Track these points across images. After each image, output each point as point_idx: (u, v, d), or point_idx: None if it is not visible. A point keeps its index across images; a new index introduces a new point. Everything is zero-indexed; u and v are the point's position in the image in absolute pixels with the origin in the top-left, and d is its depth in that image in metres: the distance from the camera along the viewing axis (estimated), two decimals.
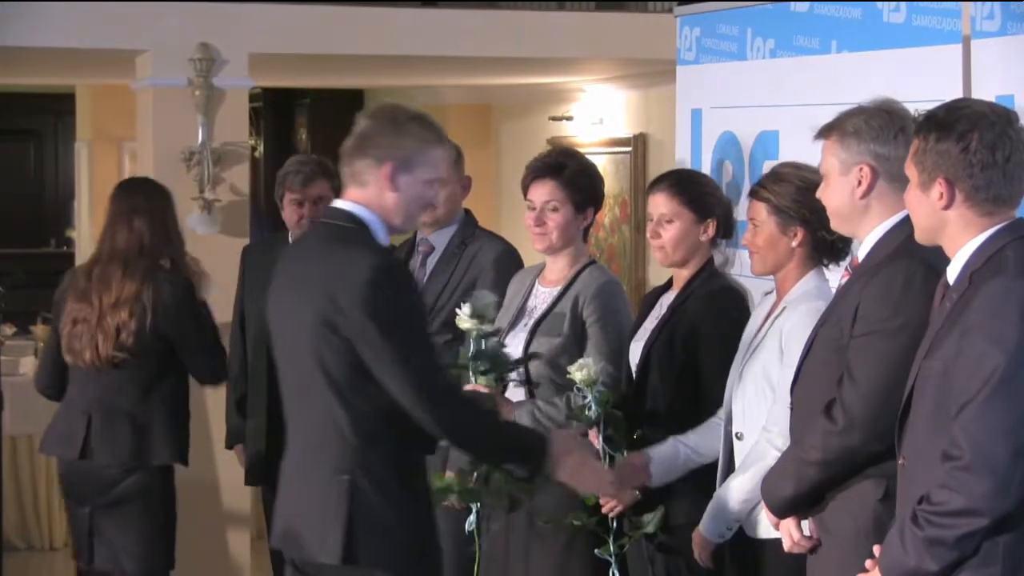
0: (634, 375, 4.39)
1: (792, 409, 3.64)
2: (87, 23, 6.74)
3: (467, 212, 5.26)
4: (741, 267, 4.53)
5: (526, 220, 4.62)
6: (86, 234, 11.48)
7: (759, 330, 4.05)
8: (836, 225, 3.65)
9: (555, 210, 4.56)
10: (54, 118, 15.01)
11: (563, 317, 4.50)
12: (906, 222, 3.31)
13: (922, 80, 4.54)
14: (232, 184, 6.88)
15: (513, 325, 4.60)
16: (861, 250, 3.57)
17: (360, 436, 3.53)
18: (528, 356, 4.44)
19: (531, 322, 4.57)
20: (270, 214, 9.35)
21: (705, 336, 4.26)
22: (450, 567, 4.04)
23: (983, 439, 2.90)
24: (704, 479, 4.17)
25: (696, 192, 4.40)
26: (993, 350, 2.91)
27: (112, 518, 5.27)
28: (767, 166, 4.59)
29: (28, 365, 7.84)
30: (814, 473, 3.49)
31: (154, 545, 5.32)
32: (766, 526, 3.79)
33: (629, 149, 8.64)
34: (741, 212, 4.44)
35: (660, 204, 4.39)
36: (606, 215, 8.75)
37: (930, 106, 3.16)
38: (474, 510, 4.34)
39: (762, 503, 3.74)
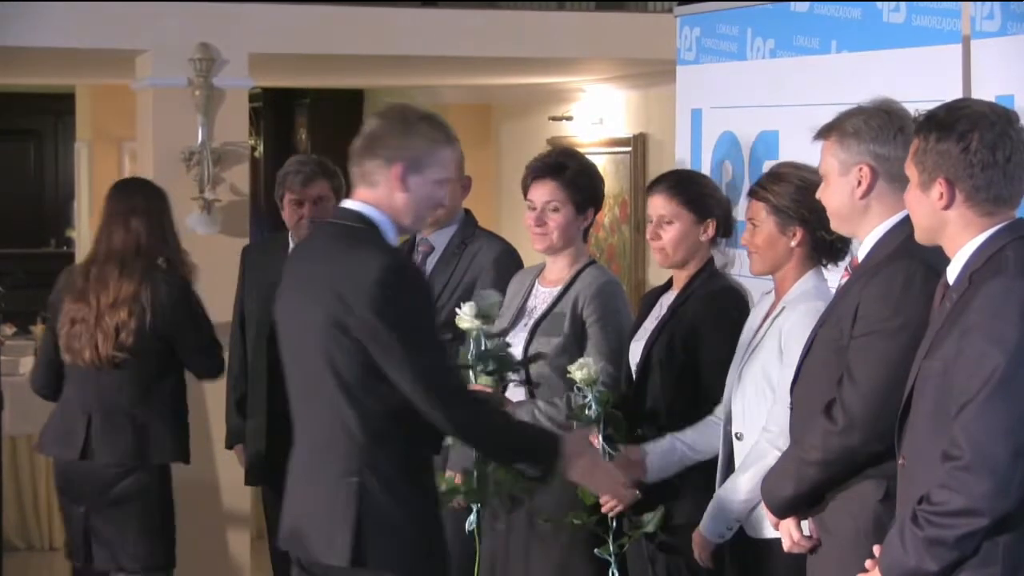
0: (634, 375, 4.39)
1: (792, 409, 3.64)
2: (87, 23, 6.74)
3: (467, 212, 5.26)
4: (741, 267, 4.53)
5: (526, 220, 4.62)
6: (86, 234, 11.47)
7: (758, 330, 4.05)
8: (836, 225, 3.65)
9: (556, 210, 4.56)
10: (54, 118, 15.01)
11: (563, 317, 4.50)
12: (906, 222, 3.31)
13: (922, 80, 4.54)
14: (232, 184, 6.88)
15: (513, 325, 4.60)
16: (861, 250, 3.57)
17: (369, 436, 3.52)
18: (533, 357, 4.44)
19: (531, 322, 4.57)
20: (270, 214, 9.35)
21: (705, 336, 4.26)
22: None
23: (983, 439, 2.90)
24: (704, 479, 4.17)
25: (695, 193, 4.40)
26: (993, 350, 2.91)
27: (110, 518, 5.27)
28: (767, 166, 4.58)
29: (28, 365, 7.81)
30: (814, 473, 3.49)
31: (155, 544, 5.33)
32: (767, 526, 3.79)
33: (629, 149, 8.65)
34: (741, 212, 4.44)
35: (659, 205, 4.39)
36: (606, 215, 8.75)
37: (930, 106, 3.16)
38: (474, 510, 4.34)
39: (762, 503, 3.74)
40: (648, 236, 4.44)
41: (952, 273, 3.11)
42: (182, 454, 5.38)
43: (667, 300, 4.44)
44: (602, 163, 7.95)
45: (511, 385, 4.53)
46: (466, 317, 4.19)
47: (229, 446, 5.92)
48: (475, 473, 4.19)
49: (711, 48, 5.72)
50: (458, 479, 4.30)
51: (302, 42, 7.05)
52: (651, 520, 4.19)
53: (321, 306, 3.54)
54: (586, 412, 4.20)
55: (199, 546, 6.26)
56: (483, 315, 4.20)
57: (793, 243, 3.98)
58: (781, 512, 3.61)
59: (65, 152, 14.86)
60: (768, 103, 5.31)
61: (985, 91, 4.28)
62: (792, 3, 5.24)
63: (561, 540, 4.43)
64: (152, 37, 6.78)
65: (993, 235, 3.06)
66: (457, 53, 7.34)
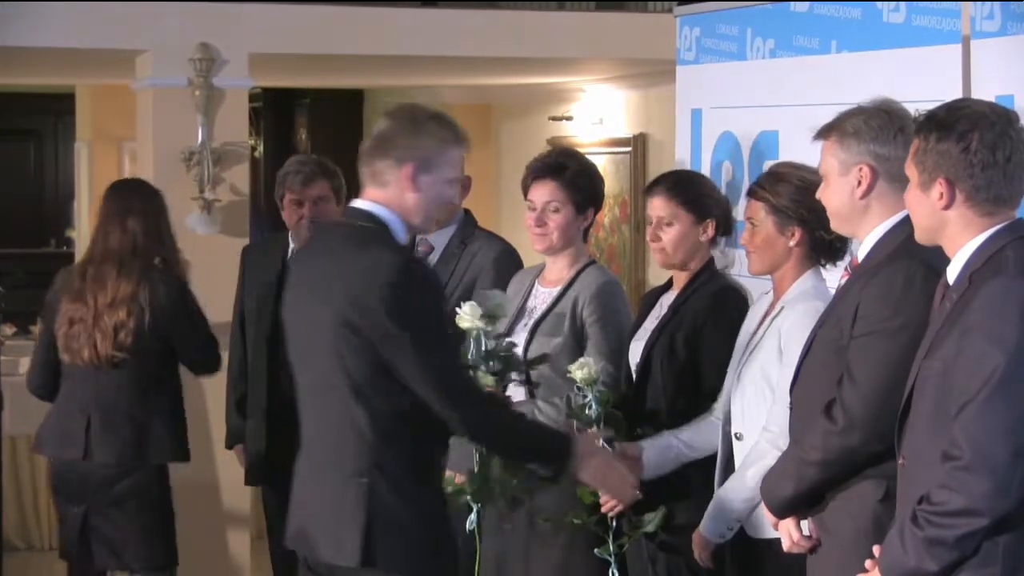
0: (634, 375, 4.39)
1: (791, 409, 3.64)
2: (87, 23, 6.74)
3: (467, 212, 5.26)
4: (740, 267, 4.53)
5: (526, 220, 4.62)
6: (86, 234, 11.45)
7: (756, 330, 4.05)
8: (836, 225, 3.65)
9: (556, 211, 4.56)
10: (54, 118, 15.01)
11: (563, 317, 4.50)
12: (906, 222, 3.31)
13: (922, 80, 4.54)
14: (232, 184, 6.88)
15: (513, 325, 4.60)
16: (861, 250, 3.57)
17: (378, 436, 3.52)
18: (539, 358, 4.43)
19: (531, 322, 4.57)
20: (270, 214, 9.34)
21: (706, 336, 4.26)
22: None
23: (983, 439, 2.90)
24: (705, 478, 4.17)
25: (694, 193, 4.40)
26: (993, 350, 2.91)
27: (110, 518, 5.27)
28: (767, 166, 4.58)
29: (28, 365, 7.82)
30: (814, 473, 3.48)
31: (156, 543, 5.34)
32: (767, 526, 3.79)
33: (629, 149, 8.64)
34: (740, 212, 4.44)
35: (658, 207, 4.39)
36: (606, 215, 8.75)
37: (930, 106, 3.16)
38: (475, 509, 4.34)
39: (763, 503, 3.74)
40: (648, 237, 4.44)
41: (952, 273, 3.11)
42: (182, 453, 5.39)
43: (667, 300, 4.44)
44: (602, 163, 7.95)
45: (511, 385, 4.52)
46: (466, 317, 4.19)
47: (229, 446, 5.92)
48: (477, 473, 4.19)
49: (711, 48, 5.72)
50: (458, 479, 4.30)
51: (302, 42, 7.05)
52: (652, 520, 4.19)
53: (331, 306, 3.53)
54: (586, 412, 4.20)
55: (199, 546, 6.26)
56: (490, 315, 4.20)
57: (792, 243, 3.98)
58: (781, 512, 3.61)
59: (65, 152, 14.85)
60: (768, 103, 5.31)
61: (985, 91, 4.28)
62: (792, 3, 5.24)
63: (561, 540, 4.43)
64: (152, 37, 6.77)
65: (993, 235, 3.06)
66: (457, 53, 7.34)
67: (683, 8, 6.01)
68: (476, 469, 4.16)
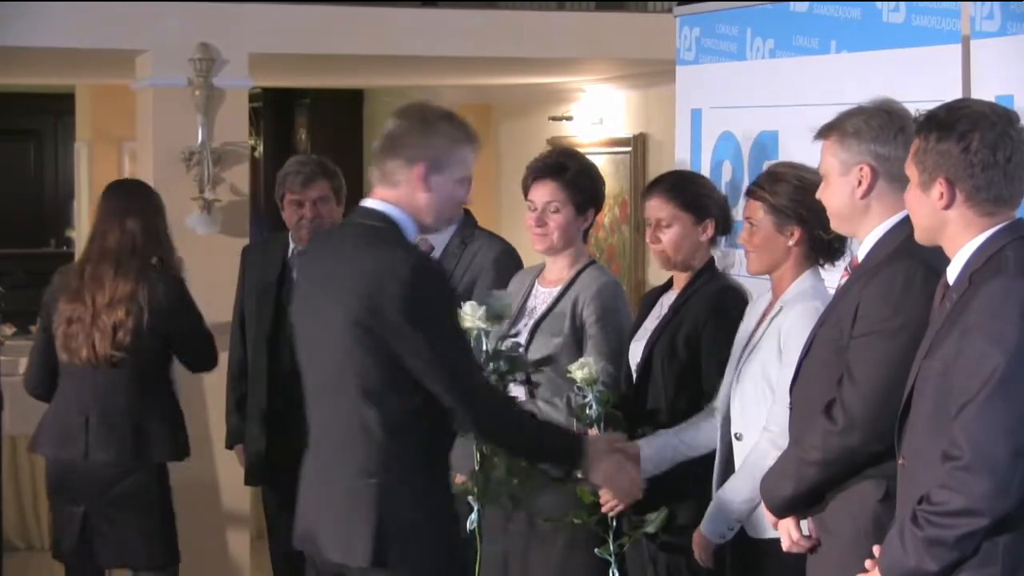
0: (634, 375, 4.39)
1: (791, 409, 3.64)
2: (87, 23, 6.74)
3: (467, 212, 5.25)
4: (740, 267, 4.54)
5: (527, 220, 4.62)
6: (85, 234, 11.43)
7: (755, 330, 4.05)
8: (836, 225, 3.65)
9: (556, 211, 4.55)
10: (54, 118, 15.00)
11: (563, 317, 4.50)
12: (906, 222, 3.31)
13: (922, 80, 4.54)
14: (232, 184, 6.87)
15: (513, 325, 4.60)
16: (861, 250, 3.57)
17: (389, 435, 3.52)
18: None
19: (531, 322, 4.57)
20: (270, 214, 9.35)
21: (707, 336, 4.26)
22: None
23: (983, 439, 2.90)
24: (706, 478, 4.16)
25: (692, 194, 4.40)
26: (993, 350, 2.91)
27: (111, 518, 5.27)
28: (767, 166, 4.59)
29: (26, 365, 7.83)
30: (814, 473, 3.48)
31: (158, 542, 5.35)
32: (768, 526, 3.79)
33: (629, 149, 8.64)
34: (740, 213, 4.44)
35: (656, 209, 4.39)
36: (606, 215, 8.75)
37: (930, 106, 3.16)
38: (475, 509, 4.34)
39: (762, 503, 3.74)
40: (647, 240, 4.44)
41: (952, 273, 3.11)
42: (181, 451, 5.40)
43: (667, 300, 4.44)
44: (602, 163, 7.95)
45: (511, 384, 4.52)
46: (467, 317, 4.19)
47: (229, 446, 5.92)
48: (479, 474, 4.19)
49: (711, 48, 5.72)
50: (458, 479, 4.30)
51: (302, 42, 7.05)
52: (654, 520, 4.18)
53: (342, 305, 3.53)
54: (586, 412, 4.20)
55: (199, 546, 6.25)
56: (497, 315, 4.21)
57: (791, 242, 3.98)
58: (780, 512, 3.61)
59: (65, 152, 14.85)
60: (768, 103, 5.31)
61: (985, 91, 4.28)
62: (792, 3, 5.24)
63: (561, 540, 4.43)
64: (152, 37, 6.77)
65: (993, 235, 3.06)
66: (457, 53, 7.34)
67: (683, 8, 6.01)
68: (477, 469, 4.16)
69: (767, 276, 4.10)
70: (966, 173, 3.04)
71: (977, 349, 2.93)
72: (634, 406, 4.33)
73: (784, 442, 3.70)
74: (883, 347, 3.37)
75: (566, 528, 4.34)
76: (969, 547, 2.94)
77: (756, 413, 3.97)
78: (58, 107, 14.07)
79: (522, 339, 4.54)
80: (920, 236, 3.20)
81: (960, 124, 3.05)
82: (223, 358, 5.71)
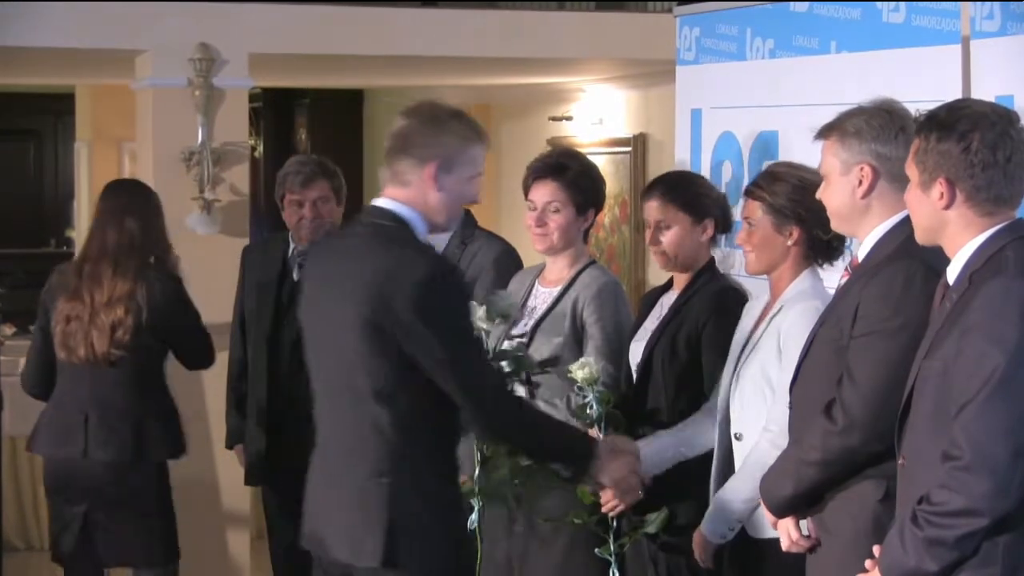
0: (635, 375, 4.39)
1: (791, 408, 3.64)
2: (87, 23, 6.74)
3: (467, 212, 5.25)
4: (740, 268, 4.54)
5: (527, 220, 4.62)
6: (85, 234, 11.47)
7: (754, 330, 4.05)
8: (836, 225, 3.65)
9: (557, 211, 4.55)
10: (54, 118, 15.00)
11: (563, 317, 4.50)
12: (906, 222, 3.31)
13: (921, 80, 4.54)
14: (232, 184, 6.87)
15: (513, 325, 4.60)
16: (861, 250, 3.57)
17: (400, 435, 3.51)
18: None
19: (531, 322, 4.57)
20: (270, 214, 9.35)
21: (708, 336, 4.26)
22: None
23: (983, 439, 2.90)
24: (707, 479, 4.16)
25: (690, 195, 4.40)
26: (993, 350, 2.91)
27: (111, 516, 5.28)
28: (766, 166, 4.59)
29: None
30: (813, 473, 3.48)
31: (159, 539, 5.37)
32: (768, 526, 3.79)
33: (629, 149, 8.64)
34: (739, 213, 4.44)
35: (655, 211, 4.40)
36: (606, 215, 8.75)
37: (930, 106, 3.16)
38: (475, 509, 4.34)
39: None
40: (647, 242, 4.44)
41: (952, 273, 3.11)
42: (179, 448, 5.41)
43: (668, 300, 4.44)
44: (602, 163, 7.94)
45: (511, 385, 4.52)
46: None
47: (229, 446, 5.92)
48: (481, 474, 4.19)
49: (711, 48, 5.72)
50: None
51: (302, 42, 7.05)
52: (654, 521, 4.18)
53: (354, 304, 3.51)
54: (587, 412, 4.20)
55: (199, 546, 6.26)
56: (501, 315, 4.20)
57: (790, 242, 3.98)
58: (780, 511, 3.61)
59: (65, 152, 14.85)
60: (767, 103, 5.31)
61: (985, 91, 4.29)
62: (792, 3, 5.25)
63: (561, 540, 4.43)
64: (152, 37, 6.77)
65: (993, 235, 3.06)
66: (457, 53, 7.34)
67: (683, 8, 6.01)
68: (477, 469, 4.16)
69: (766, 276, 4.10)
70: (966, 173, 3.04)
71: (977, 349, 2.93)
72: (634, 406, 4.33)
73: (784, 442, 3.70)
74: (883, 347, 3.37)
75: (566, 528, 4.34)
76: (969, 547, 2.94)
77: (756, 413, 3.97)
78: (58, 107, 14.07)
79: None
80: (920, 236, 3.20)
81: (960, 124, 3.05)
82: (223, 358, 5.72)
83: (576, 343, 4.47)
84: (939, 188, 3.07)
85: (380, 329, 3.48)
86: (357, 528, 3.53)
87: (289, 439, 5.38)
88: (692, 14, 5.87)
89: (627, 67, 8.15)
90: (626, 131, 8.72)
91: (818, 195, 3.65)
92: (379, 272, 3.50)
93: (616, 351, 4.45)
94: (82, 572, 5.44)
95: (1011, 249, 3.02)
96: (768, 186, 4.01)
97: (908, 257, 3.40)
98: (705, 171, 5.49)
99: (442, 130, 3.62)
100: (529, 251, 4.84)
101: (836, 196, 3.57)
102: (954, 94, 4.29)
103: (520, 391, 4.51)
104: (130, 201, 5.36)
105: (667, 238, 4.37)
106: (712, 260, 4.43)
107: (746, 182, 5.12)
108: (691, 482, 4.22)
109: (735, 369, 4.06)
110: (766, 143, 5.29)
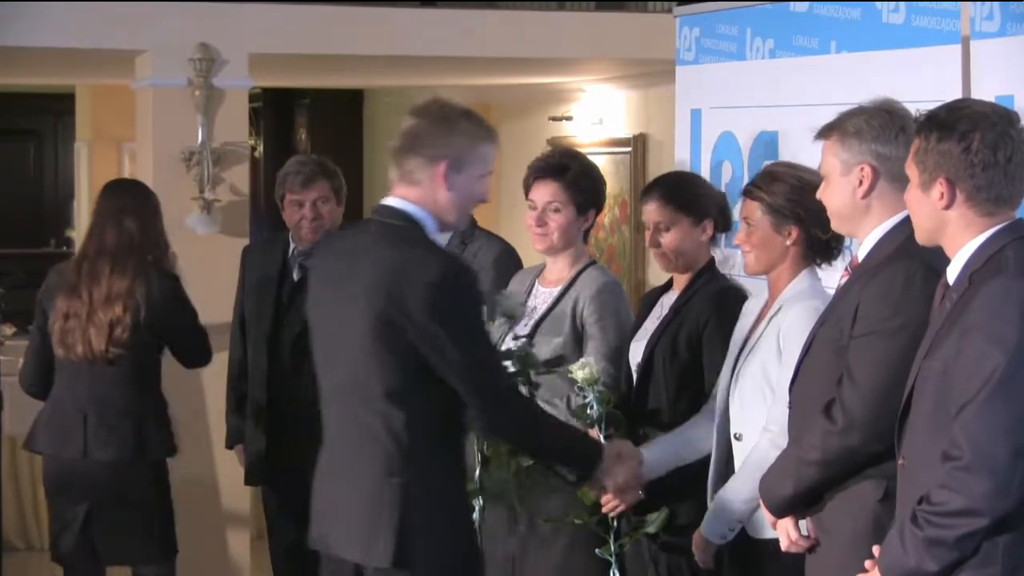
0: (635, 375, 4.39)
1: (790, 408, 3.64)
2: (87, 23, 6.74)
3: None
4: (739, 268, 4.54)
5: (527, 220, 4.62)
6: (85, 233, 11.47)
7: (753, 330, 4.05)
8: (836, 225, 3.65)
9: (557, 211, 4.55)
10: (54, 118, 15.00)
11: (563, 317, 4.50)
12: (906, 222, 3.31)
13: (921, 80, 4.55)
14: (232, 184, 6.87)
15: (514, 325, 4.60)
16: (861, 250, 3.57)
17: (412, 435, 3.51)
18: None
19: (531, 322, 4.57)
20: (270, 214, 9.35)
21: (708, 336, 4.26)
22: None
23: (983, 439, 2.90)
24: (707, 479, 4.16)
25: (689, 195, 4.41)
26: (993, 350, 2.91)
27: (112, 515, 5.28)
28: (765, 166, 4.59)
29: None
30: (813, 473, 3.48)
31: (158, 537, 5.37)
32: (768, 527, 3.78)
33: (629, 149, 8.64)
34: (739, 213, 4.44)
35: (654, 212, 4.40)
36: (606, 215, 8.75)
37: (930, 106, 3.17)
38: (476, 509, 4.34)
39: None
40: (647, 243, 4.44)
41: (952, 273, 3.11)
42: (174, 448, 5.43)
43: (668, 300, 4.44)
44: (602, 163, 7.94)
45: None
46: None
47: (229, 446, 5.92)
48: (483, 474, 4.19)
49: (710, 48, 5.72)
50: None
51: (302, 42, 7.05)
52: (655, 521, 4.18)
53: (365, 304, 3.51)
54: (587, 412, 4.20)
55: (199, 546, 6.26)
56: (507, 315, 4.21)
57: (788, 242, 3.98)
58: (779, 511, 3.61)
59: (65, 152, 14.85)
60: (767, 103, 5.32)
61: (985, 91, 4.29)
62: (791, 3, 5.25)
63: (561, 540, 4.43)
64: (152, 37, 6.77)
65: (993, 235, 3.06)
66: (457, 53, 7.34)
67: (683, 8, 6.01)
68: (478, 469, 4.16)
69: (762, 275, 4.09)
70: (967, 173, 3.04)
71: (977, 349, 2.93)
72: (635, 406, 4.33)
73: (784, 442, 3.70)
74: (883, 347, 3.37)
75: (567, 528, 4.34)
76: (969, 547, 2.94)
77: (755, 413, 3.97)
78: (58, 107, 14.08)
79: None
80: (920, 236, 3.20)
81: (961, 124, 3.05)
82: (223, 358, 5.72)
83: (576, 343, 4.47)
84: (939, 188, 3.07)
85: (392, 329, 3.48)
86: (368, 528, 3.52)
87: (289, 439, 5.38)
88: (692, 14, 5.87)
89: (627, 67, 8.15)
90: (626, 131, 8.72)
91: (818, 195, 3.65)
92: (391, 272, 3.50)
93: (616, 351, 4.45)
94: (82, 572, 5.44)
95: (1011, 249, 3.03)
96: (767, 186, 4.01)
97: (908, 257, 3.40)
98: (705, 171, 5.49)
99: (452, 129, 3.61)
100: (529, 251, 4.84)
101: (836, 196, 3.57)
102: (954, 94, 4.29)
103: (521, 391, 4.52)
104: (129, 201, 5.37)
105: (667, 239, 4.37)
106: (712, 260, 4.43)
107: (746, 182, 5.13)
108: (691, 482, 4.22)
109: (734, 369, 4.06)
110: (766, 143, 5.29)
